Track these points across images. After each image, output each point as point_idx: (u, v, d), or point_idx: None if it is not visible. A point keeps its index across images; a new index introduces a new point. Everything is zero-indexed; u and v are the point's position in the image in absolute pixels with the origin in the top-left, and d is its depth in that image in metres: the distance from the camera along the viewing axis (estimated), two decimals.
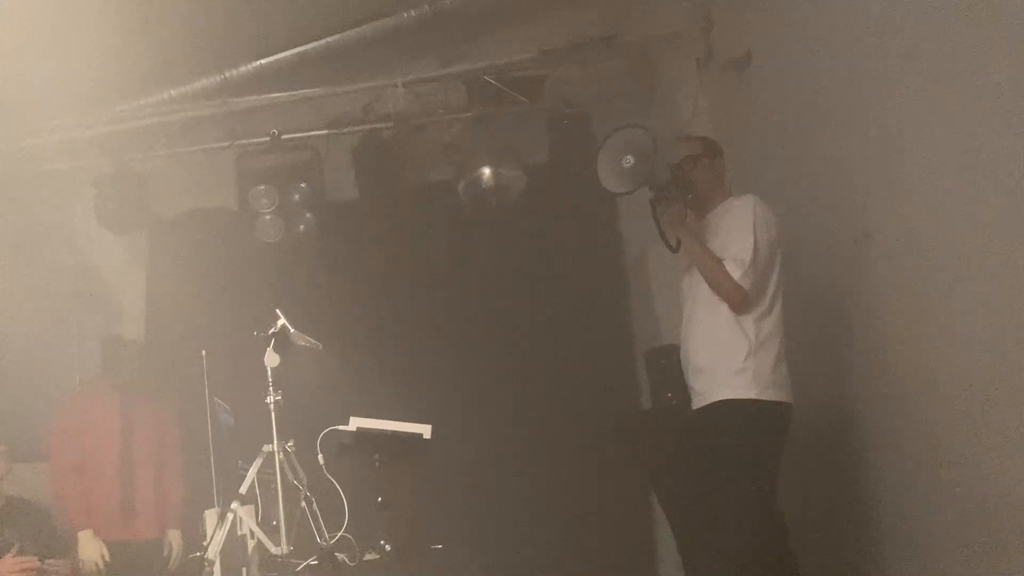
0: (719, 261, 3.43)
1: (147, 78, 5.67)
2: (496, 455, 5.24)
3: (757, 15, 4.62)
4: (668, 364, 4.56)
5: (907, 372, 3.46)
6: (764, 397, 3.36)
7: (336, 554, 3.70)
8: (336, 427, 3.83)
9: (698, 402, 3.55)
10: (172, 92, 5.73)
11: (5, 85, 5.13)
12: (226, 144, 5.78)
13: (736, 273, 3.38)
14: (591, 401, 5.40)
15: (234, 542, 3.73)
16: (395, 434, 3.85)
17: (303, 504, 3.77)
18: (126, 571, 4.52)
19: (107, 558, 4.52)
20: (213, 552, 3.68)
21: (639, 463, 4.76)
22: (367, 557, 3.77)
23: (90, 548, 4.52)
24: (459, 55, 5.81)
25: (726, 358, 3.42)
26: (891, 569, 3.69)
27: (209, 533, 3.80)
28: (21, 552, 3.91)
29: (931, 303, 3.26)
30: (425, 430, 3.86)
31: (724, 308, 3.45)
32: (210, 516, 3.91)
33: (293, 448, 3.84)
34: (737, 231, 3.47)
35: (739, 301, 3.41)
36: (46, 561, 3.89)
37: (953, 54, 3.00)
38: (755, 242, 3.40)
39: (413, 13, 5.52)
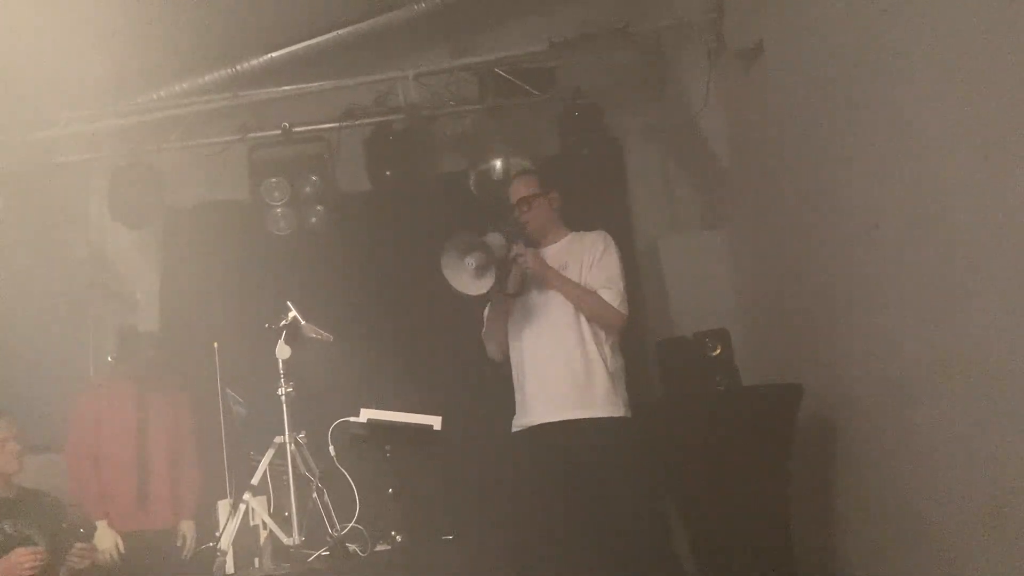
0: (592, 292, 3.62)
1: (160, 72, 5.70)
2: (506, 446, 5.25)
3: (769, 4, 4.59)
4: (681, 354, 4.54)
5: (916, 363, 3.45)
6: (626, 414, 3.61)
7: (347, 545, 3.73)
8: (347, 418, 3.85)
9: (579, 413, 3.58)
10: (185, 85, 5.76)
11: (20, 79, 5.17)
12: (238, 137, 5.81)
13: (616, 301, 3.59)
14: None
15: (246, 532, 3.76)
16: (406, 425, 3.87)
17: (315, 495, 3.80)
18: (139, 560, 4.55)
19: (122, 548, 4.55)
20: (226, 542, 3.71)
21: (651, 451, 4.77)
22: (378, 548, 3.80)
23: (106, 538, 4.55)
24: (470, 47, 5.81)
25: (600, 378, 3.58)
26: (899, 563, 3.68)
27: (222, 523, 3.83)
28: (30, 542, 3.95)
29: (940, 294, 3.25)
30: (435, 421, 3.88)
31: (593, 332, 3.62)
32: (223, 507, 3.94)
33: (305, 439, 3.86)
34: (600, 262, 3.68)
35: (620, 323, 3.63)
36: (76, 546, 3.91)
37: (966, 43, 2.97)
38: (621, 275, 3.65)
39: (424, 5, 5.53)
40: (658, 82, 5.60)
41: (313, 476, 3.84)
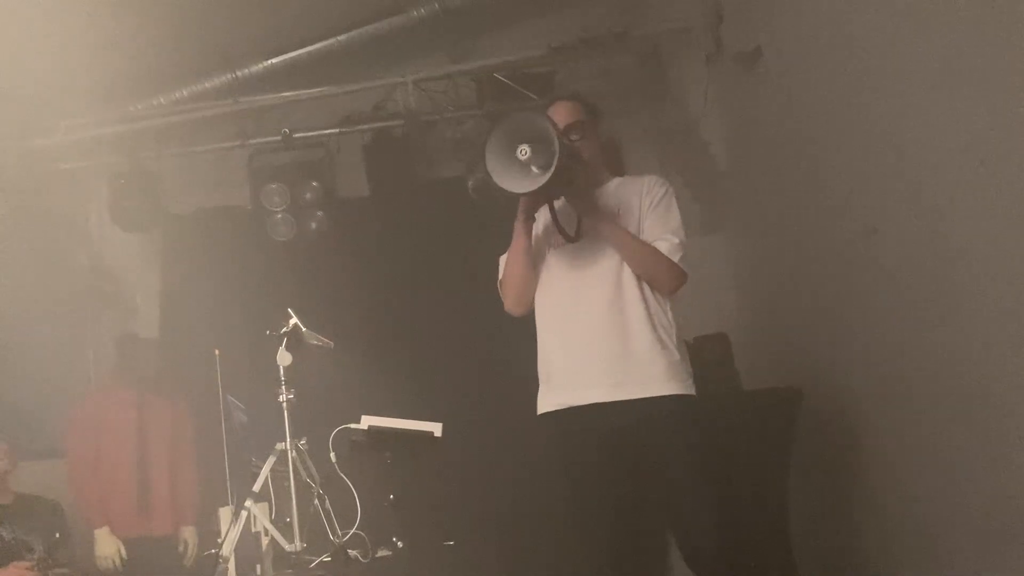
0: (648, 244, 3.01)
1: (160, 78, 5.71)
2: (507, 452, 5.25)
3: (767, 10, 4.60)
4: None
5: (916, 366, 3.46)
6: (689, 392, 3.01)
7: (349, 551, 3.73)
8: (348, 425, 3.85)
9: (628, 392, 2.98)
10: (184, 92, 5.76)
11: (19, 85, 5.17)
12: (238, 143, 5.81)
13: (676, 254, 2.99)
14: None
15: (248, 539, 3.76)
16: (406, 432, 3.87)
17: (316, 501, 3.80)
18: (141, 567, 4.56)
19: (124, 555, 4.56)
20: (228, 549, 3.71)
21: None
22: (379, 554, 3.80)
23: (107, 545, 4.56)
24: (469, 52, 5.82)
25: (651, 346, 2.98)
26: (899, 565, 3.69)
27: (223, 530, 3.83)
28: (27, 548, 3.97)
29: (939, 298, 3.26)
30: (436, 428, 3.88)
31: (640, 292, 3.02)
32: (224, 513, 3.94)
33: (306, 446, 3.86)
34: (658, 208, 3.05)
35: (678, 284, 3.04)
36: (51, 571, 3.93)
37: (964, 48, 2.99)
38: (679, 223, 3.06)
39: (423, 11, 5.54)
40: (657, 87, 5.60)
41: (314, 482, 3.84)
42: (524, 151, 2.82)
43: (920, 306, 3.37)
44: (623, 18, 5.54)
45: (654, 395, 2.95)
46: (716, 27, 5.21)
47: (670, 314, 3.06)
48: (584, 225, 3.02)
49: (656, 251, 3.00)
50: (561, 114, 3.11)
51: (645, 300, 3.02)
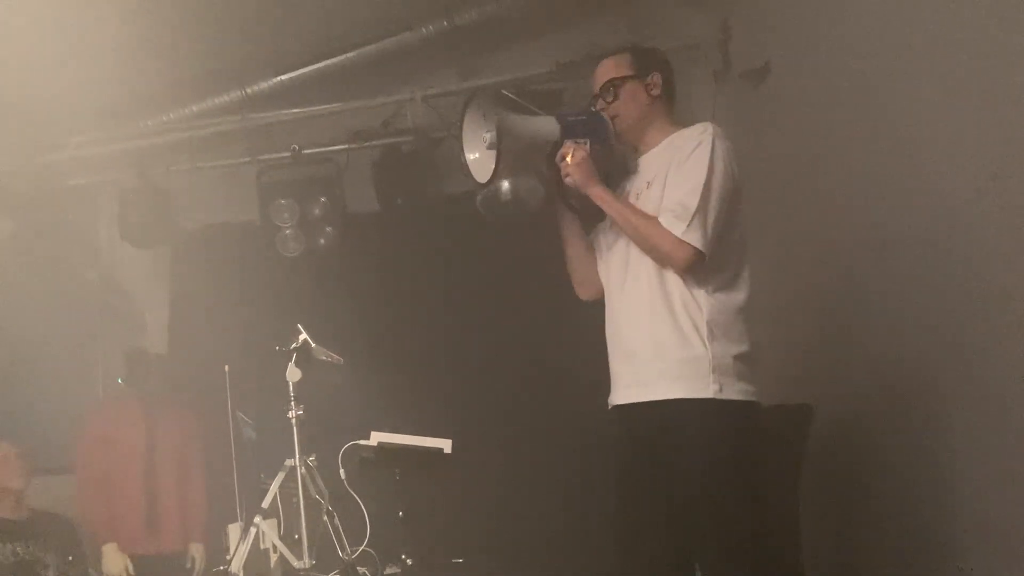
0: (651, 217, 2.67)
1: (169, 94, 5.73)
2: (517, 469, 5.24)
3: (776, 26, 4.62)
4: None
5: (927, 382, 3.44)
6: (726, 396, 2.62)
7: (358, 568, 3.72)
8: (357, 442, 3.85)
9: (634, 395, 2.77)
10: (194, 108, 5.78)
11: (29, 101, 5.20)
12: (247, 159, 5.83)
13: (677, 228, 2.61)
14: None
15: (257, 556, 3.76)
16: (416, 449, 3.86)
17: (325, 518, 3.80)
18: None
19: (132, 572, 4.55)
20: (236, 566, 3.71)
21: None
22: (388, 571, 3.79)
23: (115, 561, 4.55)
24: (477, 69, 5.83)
25: (678, 340, 2.67)
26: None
27: (232, 547, 3.83)
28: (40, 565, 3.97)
29: (951, 313, 3.25)
30: (446, 445, 3.87)
31: (671, 276, 2.70)
32: (233, 530, 3.94)
33: (315, 463, 3.86)
34: (680, 170, 2.69)
35: (683, 261, 2.63)
36: None
37: (974, 60, 2.99)
38: (707, 182, 2.63)
39: (432, 28, 5.55)
40: None
41: (323, 499, 3.83)
42: (486, 137, 2.68)
43: (933, 321, 3.36)
44: (630, 34, 5.55)
45: (659, 399, 2.67)
46: (724, 44, 5.22)
47: (704, 297, 2.67)
48: (579, 195, 2.79)
49: (651, 223, 2.66)
50: (598, 73, 2.89)
51: (661, 282, 2.70)
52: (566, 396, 5.45)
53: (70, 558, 4.19)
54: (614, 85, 2.84)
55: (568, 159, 2.73)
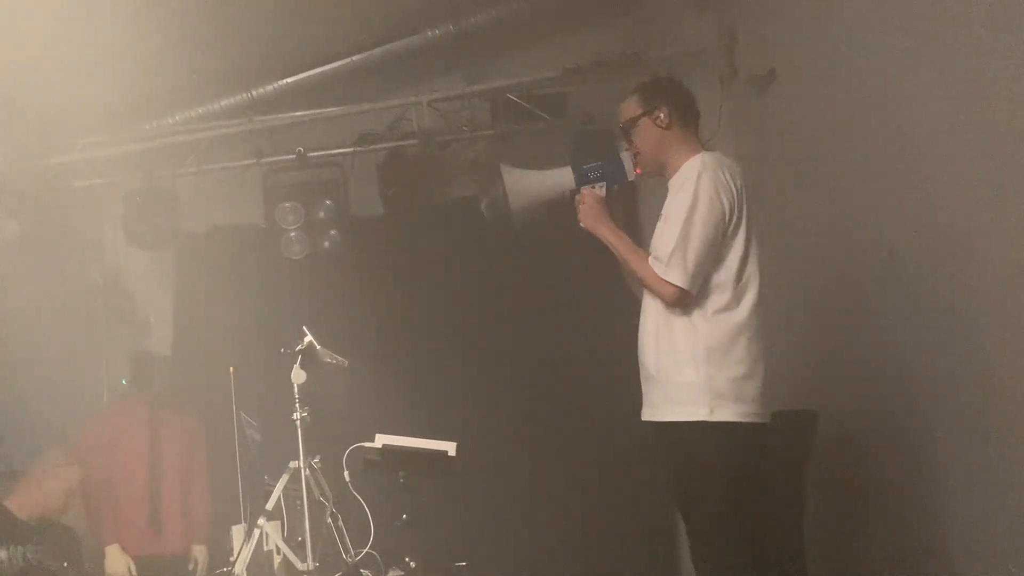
0: (644, 256, 2.93)
1: (175, 96, 5.75)
2: (521, 472, 5.25)
3: (781, 32, 4.62)
4: None
5: (932, 389, 3.44)
6: (717, 418, 2.81)
7: (361, 570, 3.73)
8: (362, 444, 3.85)
9: (647, 414, 3.02)
10: (200, 110, 5.80)
11: (36, 103, 5.22)
12: (253, 161, 5.84)
13: (659, 267, 2.85)
14: (618, 417, 5.38)
15: (260, 558, 3.76)
16: (420, 451, 3.86)
17: (329, 520, 3.80)
18: None
19: (134, 573, 4.55)
20: (240, 568, 3.72)
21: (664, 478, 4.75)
22: (392, 573, 3.80)
23: (117, 563, 4.56)
24: (483, 73, 5.84)
25: (675, 365, 2.88)
26: None
27: (236, 549, 3.83)
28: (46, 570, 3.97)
29: (957, 320, 3.24)
30: (450, 447, 3.87)
31: (653, 307, 2.97)
32: (237, 532, 3.94)
33: (319, 464, 3.87)
34: (667, 210, 2.96)
35: (668, 297, 2.85)
36: None
37: (980, 68, 2.99)
38: (687, 218, 2.83)
39: (438, 32, 5.57)
40: None
41: (327, 501, 3.84)
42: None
43: (938, 327, 3.35)
44: (637, 40, 5.56)
45: (664, 420, 2.92)
46: (730, 50, 5.22)
47: (702, 320, 2.86)
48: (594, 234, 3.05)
49: (642, 262, 2.92)
50: (620, 114, 3.15)
51: (665, 309, 2.92)
52: (571, 400, 5.47)
53: (65, 564, 4.18)
54: (628, 126, 3.10)
55: (581, 206, 3.04)
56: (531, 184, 3.17)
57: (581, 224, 3.04)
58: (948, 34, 3.16)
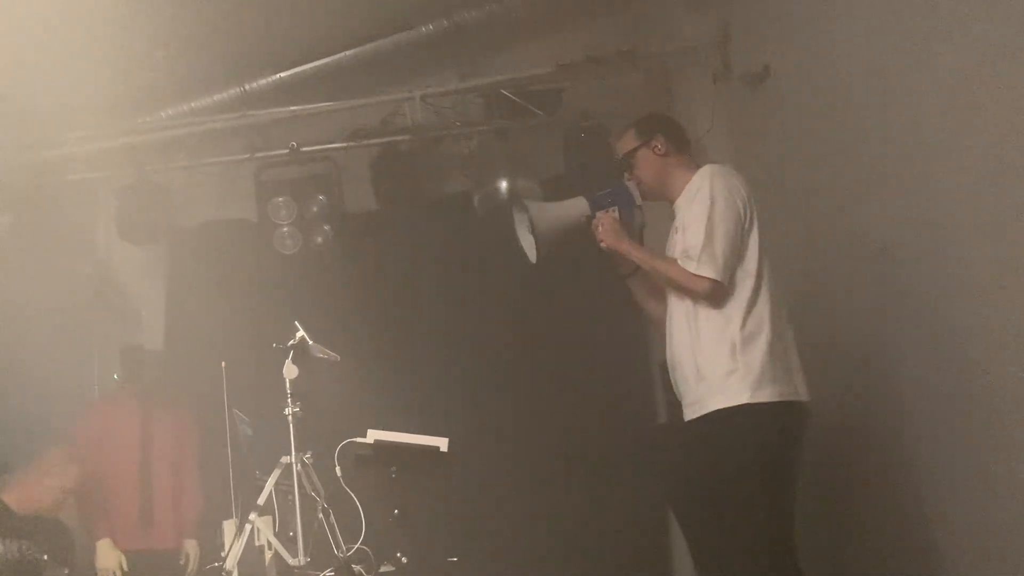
0: (671, 260, 3.17)
1: (168, 91, 5.73)
2: (513, 468, 5.25)
3: (775, 29, 4.62)
4: None
5: (924, 384, 3.45)
6: (758, 399, 3.00)
7: (353, 566, 3.72)
8: (354, 439, 3.85)
9: (690, 413, 3.19)
10: (193, 104, 5.79)
11: (28, 97, 5.19)
12: (246, 156, 5.83)
13: (691, 265, 3.06)
14: (608, 414, 5.41)
15: (252, 552, 3.75)
16: (412, 447, 3.87)
17: (320, 516, 3.80)
18: None
19: (125, 567, 4.54)
20: (231, 562, 3.71)
21: (656, 477, 4.76)
22: (383, 569, 3.79)
23: (108, 557, 4.54)
24: (477, 69, 5.85)
25: (713, 360, 3.08)
26: None
27: (227, 543, 3.82)
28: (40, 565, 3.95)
29: (949, 317, 3.25)
30: (442, 443, 3.88)
31: (702, 304, 3.13)
32: (228, 527, 3.93)
33: (311, 460, 3.86)
34: (689, 216, 3.18)
35: (702, 291, 3.07)
36: None
37: (974, 67, 2.99)
38: (709, 217, 3.06)
39: (432, 27, 5.58)
40: (663, 105, 5.62)
41: (319, 496, 3.84)
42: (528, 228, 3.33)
43: (929, 325, 3.37)
44: (631, 37, 5.57)
45: (705, 412, 3.08)
46: (724, 47, 5.22)
47: (736, 310, 3.07)
48: (618, 257, 3.30)
49: (672, 265, 3.14)
50: (619, 148, 3.44)
51: (695, 313, 3.13)
52: (563, 396, 5.48)
53: (44, 556, 4.16)
54: (628, 157, 3.38)
55: (600, 228, 3.26)
56: (552, 214, 3.38)
57: (602, 244, 3.26)
58: (940, 31, 3.16)
